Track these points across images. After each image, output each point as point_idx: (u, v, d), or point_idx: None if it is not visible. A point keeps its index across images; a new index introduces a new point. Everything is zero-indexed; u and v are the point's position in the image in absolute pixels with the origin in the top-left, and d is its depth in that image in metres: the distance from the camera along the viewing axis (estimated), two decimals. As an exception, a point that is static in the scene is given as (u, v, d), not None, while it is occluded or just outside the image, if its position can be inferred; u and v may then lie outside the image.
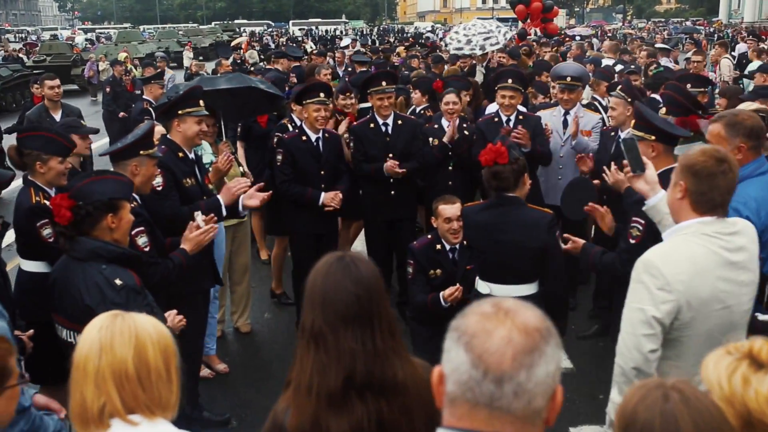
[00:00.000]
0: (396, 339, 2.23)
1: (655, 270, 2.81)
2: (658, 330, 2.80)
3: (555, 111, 7.18)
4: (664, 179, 4.07)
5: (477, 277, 4.63)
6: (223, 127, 6.43)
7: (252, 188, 5.04)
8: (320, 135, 6.41)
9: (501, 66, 12.40)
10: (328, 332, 2.17)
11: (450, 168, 6.81)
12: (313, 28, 72.50)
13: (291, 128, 6.92)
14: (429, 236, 5.29)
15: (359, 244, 9.09)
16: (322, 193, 6.27)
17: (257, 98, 6.94)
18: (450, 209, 5.04)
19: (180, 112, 4.98)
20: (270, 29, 71.53)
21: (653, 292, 2.79)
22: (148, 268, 3.87)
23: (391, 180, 6.56)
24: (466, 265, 5.06)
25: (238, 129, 8.17)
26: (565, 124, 7.01)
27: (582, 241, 4.55)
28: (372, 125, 6.71)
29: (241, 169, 6.50)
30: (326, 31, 64.25)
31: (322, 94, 6.27)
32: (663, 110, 5.10)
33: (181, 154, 5.01)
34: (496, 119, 6.85)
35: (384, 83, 6.55)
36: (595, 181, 5.93)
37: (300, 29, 69.88)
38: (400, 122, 6.71)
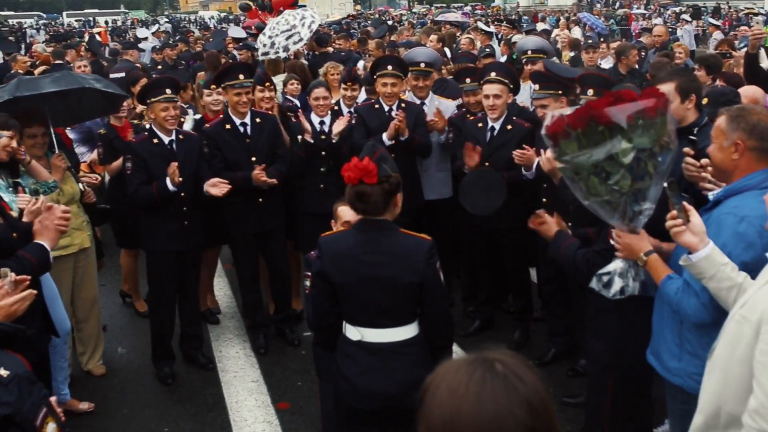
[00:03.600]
0: None
1: None
2: None
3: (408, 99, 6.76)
4: None
5: (344, 321, 3.62)
6: (53, 136, 5.30)
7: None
8: (174, 137, 5.52)
9: (315, 54, 11.78)
10: None
11: (322, 170, 6.08)
12: (91, 19, 67.83)
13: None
14: None
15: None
16: (167, 178, 5.31)
17: (94, 97, 5.84)
18: (351, 212, 4.37)
19: None
20: (41, 21, 66.15)
21: None
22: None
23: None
24: None
25: None
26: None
27: (554, 224, 3.86)
28: (228, 126, 5.87)
29: (80, 185, 5.47)
30: (106, 22, 60.19)
31: (168, 91, 5.39)
32: (537, 87, 5.26)
33: None
34: (377, 106, 6.28)
35: (241, 76, 5.74)
36: None
37: (77, 20, 65.18)
38: (258, 120, 5.92)
